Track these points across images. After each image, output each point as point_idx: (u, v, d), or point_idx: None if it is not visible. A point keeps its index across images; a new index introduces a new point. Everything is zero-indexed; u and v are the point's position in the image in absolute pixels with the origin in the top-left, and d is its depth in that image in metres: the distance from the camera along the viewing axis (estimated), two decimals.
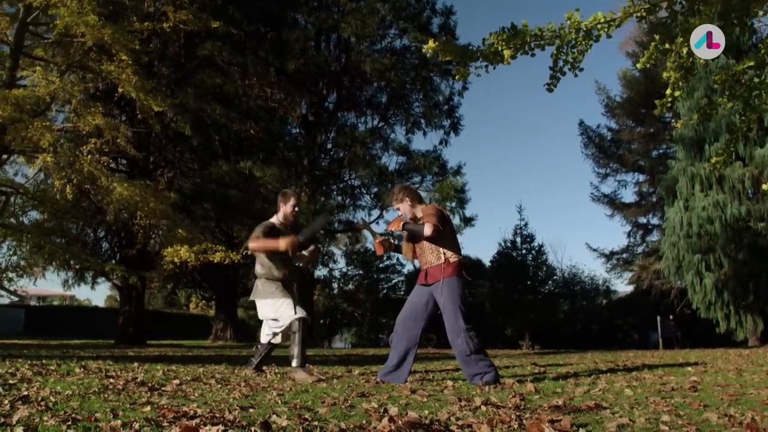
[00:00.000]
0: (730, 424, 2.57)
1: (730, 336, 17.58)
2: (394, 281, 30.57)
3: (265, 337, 5.34)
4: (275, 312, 5.13)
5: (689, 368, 6.25)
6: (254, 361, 5.49)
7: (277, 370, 5.71)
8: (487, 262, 28.47)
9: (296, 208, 5.40)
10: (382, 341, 28.76)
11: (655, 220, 28.31)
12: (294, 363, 4.97)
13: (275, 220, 5.40)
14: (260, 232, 5.17)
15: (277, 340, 5.31)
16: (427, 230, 4.41)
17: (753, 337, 17.15)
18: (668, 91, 6.30)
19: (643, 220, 29.05)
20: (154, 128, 15.12)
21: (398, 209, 4.83)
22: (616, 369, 6.35)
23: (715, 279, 16.69)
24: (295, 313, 5.06)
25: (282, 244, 4.98)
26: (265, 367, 5.77)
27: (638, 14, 5.59)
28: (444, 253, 4.52)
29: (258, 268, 5.30)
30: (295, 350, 4.97)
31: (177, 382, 4.31)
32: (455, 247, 4.58)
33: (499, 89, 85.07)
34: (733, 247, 16.48)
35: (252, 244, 5.13)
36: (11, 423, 2.35)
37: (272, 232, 5.19)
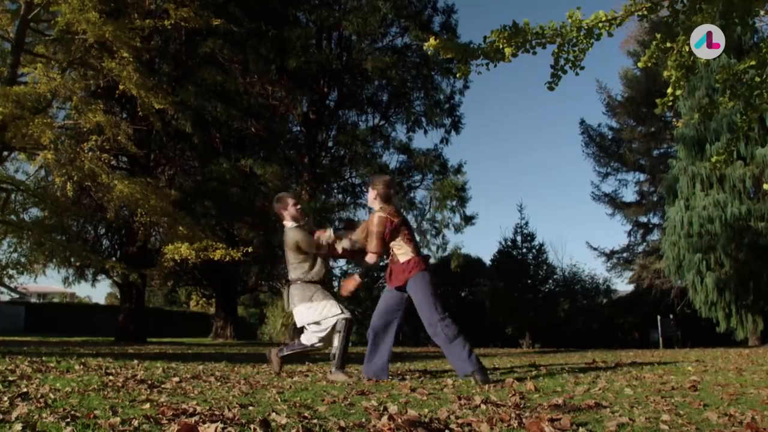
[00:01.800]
0: (730, 424, 2.57)
1: (730, 335, 17.59)
2: None
3: (306, 340, 5.09)
4: (319, 314, 4.96)
5: (689, 367, 6.24)
6: (285, 351, 5.24)
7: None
8: (487, 260, 28.46)
9: (299, 206, 5.29)
10: None
11: (655, 220, 28.32)
12: (334, 366, 4.83)
13: (293, 224, 5.20)
14: (309, 236, 5.10)
15: (320, 345, 5.08)
16: (369, 260, 4.76)
17: (753, 337, 17.15)
18: (669, 90, 6.29)
19: (643, 219, 29.04)
20: (155, 126, 15.12)
21: (368, 190, 5.00)
22: (617, 368, 6.35)
23: (716, 278, 16.67)
24: (341, 312, 4.95)
25: (324, 236, 5.05)
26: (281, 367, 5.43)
27: (640, 13, 5.58)
28: (400, 256, 4.71)
29: (293, 272, 5.11)
30: (338, 352, 4.85)
31: (177, 379, 4.32)
32: (408, 247, 4.71)
33: (500, 88, 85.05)
34: (734, 247, 16.47)
35: (333, 247, 5.12)
36: (10, 420, 2.35)
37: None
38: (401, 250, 4.70)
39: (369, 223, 4.82)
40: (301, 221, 5.28)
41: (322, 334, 4.98)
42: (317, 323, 4.97)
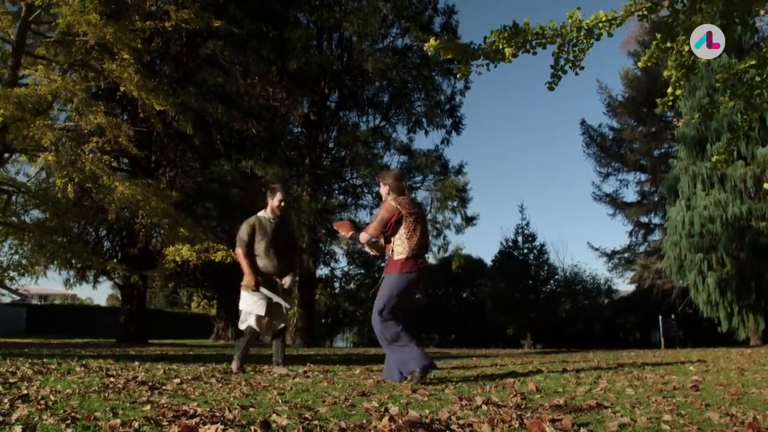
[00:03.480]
0: (732, 424, 2.56)
1: (732, 335, 17.55)
2: None
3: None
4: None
5: (691, 367, 6.23)
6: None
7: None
8: (488, 261, 28.47)
9: (282, 203, 5.71)
10: None
11: (656, 220, 28.26)
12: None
13: (263, 214, 5.71)
14: (245, 234, 5.56)
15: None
16: (362, 238, 4.78)
17: (755, 337, 17.13)
18: (669, 90, 6.29)
19: (644, 219, 29.00)
20: (155, 127, 15.14)
21: (380, 185, 5.03)
22: (618, 368, 6.34)
23: (717, 278, 16.65)
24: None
25: (246, 280, 5.45)
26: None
27: (640, 13, 5.58)
28: (392, 250, 4.71)
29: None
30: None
31: (177, 381, 4.31)
32: (407, 245, 4.65)
33: (501, 89, 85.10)
34: (735, 247, 16.44)
35: (238, 251, 5.57)
36: (10, 422, 2.35)
37: (254, 234, 5.58)
38: (399, 248, 4.67)
39: (380, 208, 4.84)
40: (274, 215, 5.74)
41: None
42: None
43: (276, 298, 5.47)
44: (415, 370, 4.38)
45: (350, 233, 4.97)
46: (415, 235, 4.68)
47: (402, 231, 4.67)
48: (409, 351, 4.47)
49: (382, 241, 4.87)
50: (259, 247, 5.56)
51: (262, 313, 5.48)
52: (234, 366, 5.49)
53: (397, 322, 4.57)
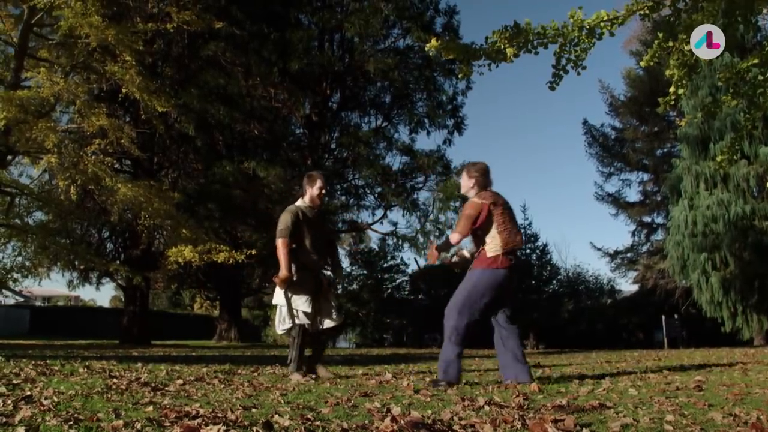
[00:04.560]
0: (735, 424, 2.55)
1: (735, 335, 17.52)
2: (398, 281, 30.55)
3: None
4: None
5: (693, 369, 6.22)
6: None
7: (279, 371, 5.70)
8: None
9: (323, 191, 5.18)
10: (386, 341, 28.75)
11: (659, 219, 28.25)
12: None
13: (301, 203, 5.15)
14: (290, 222, 4.95)
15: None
16: (453, 239, 4.47)
17: (759, 337, 17.10)
18: (672, 89, 6.27)
19: (647, 219, 28.97)
20: (158, 129, 15.15)
21: (462, 176, 4.74)
22: (621, 368, 6.32)
23: (721, 278, 16.62)
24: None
25: (280, 275, 4.86)
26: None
27: (641, 12, 5.57)
28: (489, 250, 4.44)
29: None
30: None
31: (180, 382, 4.32)
32: (499, 240, 4.42)
33: (503, 89, 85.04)
34: (738, 246, 16.42)
35: (280, 242, 4.91)
36: (13, 423, 2.35)
37: (298, 224, 4.99)
38: (490, 244, 4.42)
39: (465, 207, 4.57)
40: (314, 205, 5.20)
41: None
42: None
43: (298, 304, 4.96)
44: (443, 380, 4.25)
45: (435, 245, 4.75)
46: (506, 228, 4.45)
47: (493, 226, 4.43)
48: (455, 357, 4.34)
49: (471, 245, 4.67)
50: (302, 240, 5.01)
51: (309, 310, 4.94)
52: (295, 375, 4.82)
53: (472, 321, 4.38)
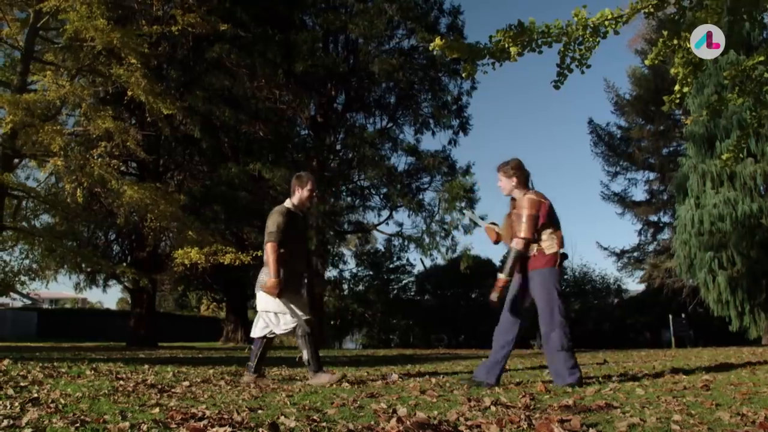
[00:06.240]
0: (743, 423, 2.54)
1: (743, 334, 17.43)
2: (404, 282, 30.56)
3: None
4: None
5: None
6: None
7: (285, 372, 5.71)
8: (497, 261, 28.38)
9: (314, 193, 4.96)
10: (393, 342, 28.74)
11: (666, 218, 28.12)
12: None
13: (289, 204, 4.87)
14: (281, 224, 4.68)
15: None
16: (519, 245, 4.28)
17: (766, 335, 17.00)
18: (677, 88, 6.25)
19: (654, 218, 28.86)
20: (163, 131, 15.21)
21: (499, 179, 4.58)
22: (628, 368, 6.30)
23: (728, 277, 16.54)
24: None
25: (270, 282, 4.61)
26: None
27: (646, 10, 5.54)
28: (546, 248, 4.35)
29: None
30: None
31: (187, 383, 4.33)
32: (556, 238, 4.37)
33: (508, 88, 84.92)
34: (745, 245, 16.33)
35: (270, 246, 4.64)
36: (20, 425, 2.36)
37: (287, 226, 4.72)
38: (547, 242, 4.33)
39: (518, 207, 4.37)
40: (302, 207, 4.97)
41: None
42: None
43: (292, 309, 4.74)
44: (575, 383, 4.18)
45: (504, 279, 4.40)
46: (558, 226, 4.41)
47: (549, 227, 4.35)
48: (572, 363, 4.26)
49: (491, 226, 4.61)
50: (290, 242, 4.72)
51: (305, 315, 4.73)
52: (318, 377, 4.60)
53: (567, 317, 4.33)
